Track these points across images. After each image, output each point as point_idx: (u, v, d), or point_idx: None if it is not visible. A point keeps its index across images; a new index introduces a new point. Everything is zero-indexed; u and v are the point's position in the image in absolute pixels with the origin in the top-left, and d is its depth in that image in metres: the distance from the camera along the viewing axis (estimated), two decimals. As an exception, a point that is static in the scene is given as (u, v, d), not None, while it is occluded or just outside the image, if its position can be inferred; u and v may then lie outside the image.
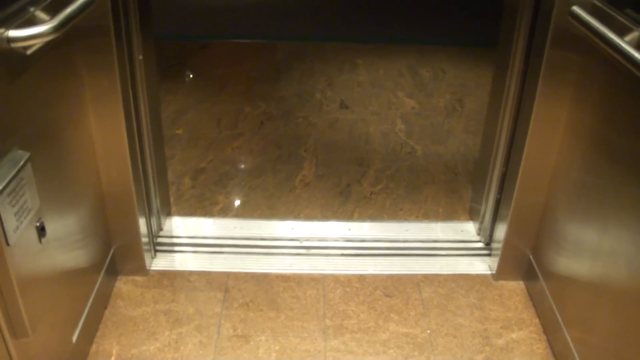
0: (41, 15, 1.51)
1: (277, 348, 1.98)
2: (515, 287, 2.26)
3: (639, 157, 1.53)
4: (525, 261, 2.25)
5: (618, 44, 1.50)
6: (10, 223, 1.29)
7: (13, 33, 1.35)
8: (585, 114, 1.84)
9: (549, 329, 2.06)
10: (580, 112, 1.87)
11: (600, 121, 1.75)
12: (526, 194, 2.10)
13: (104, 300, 2.11)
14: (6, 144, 1.34)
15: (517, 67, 2.04)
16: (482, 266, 2.35)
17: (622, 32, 1.58)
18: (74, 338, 1.81)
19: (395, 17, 5.36)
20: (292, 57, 4.39)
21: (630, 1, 1.60)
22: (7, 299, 1.34)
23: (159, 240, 2.40)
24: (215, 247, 2.40)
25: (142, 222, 2.19)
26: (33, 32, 1.38)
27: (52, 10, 1.53)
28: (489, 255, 2.38)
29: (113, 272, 2.21)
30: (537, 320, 2.12)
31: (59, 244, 1.68)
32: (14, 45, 1.36)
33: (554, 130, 1.98)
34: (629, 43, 1.49)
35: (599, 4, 1.72)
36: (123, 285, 2.21)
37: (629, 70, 1.43)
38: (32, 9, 1.47)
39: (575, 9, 1.73)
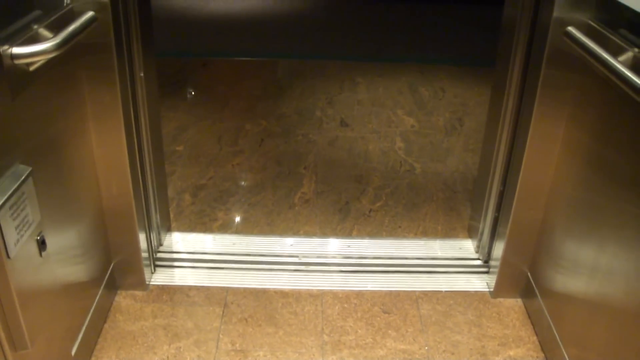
0: (44, 32, 1.53)
1: (275, 363, 2.00)
2: (514, 304, 2.27)
3: (634, 175, 1.54)
4: (523, 279, 2.26)
5: (612, 64, 1.52)
6: (11, 236, 1.30)
7: (17, 50, 1.38)
8: (581, 132, 1.86)
9: (547, 347, 2.07)
10: (576, 131, 1.89)
11: (596, 139, 1.77)
12: (523, 211, 2.12)
13: (103, 314, 2.12)
14: (8, 158, 1.36)
15: (514, 86, 2.07)
16: (480, 284, 2.36)
17: (616, 52, 1.61)
18: (73, 351, 1.82)
19: (396, 36, 5.42)
20: (293, 75, 4.42)
21: (625, 22, 1.62)
22: (7, 312, 1.35)
23: (159, 255, 2.41)
24: (214, 262, 2.41)
25: (142, 237, 2.20)
26: (36, 50, 1.41)
27: (55, 28, 1.56)
28: (487, 272, 2.39)
29: (113, 286, 2.22)
30: (534, 338, 2.13)
31: (59, 258, 1.70)
32: (17, 61, 1.39)
33: (551, 148, 2.00)
34: (623, 63, 1.51)
35: (594, 25, 1.75)
36: (122, 299, 2.22)
37: (623, 89, 1.45)
38: (35, 27, 1.50)
39: (571, 29, 1.76)
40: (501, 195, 2.24)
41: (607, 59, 1.55)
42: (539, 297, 2.13)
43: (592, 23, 1.77)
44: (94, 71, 1.85)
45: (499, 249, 2.25)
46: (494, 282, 2.28)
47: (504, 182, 2.21)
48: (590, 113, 1.81)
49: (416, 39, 5.37)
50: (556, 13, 1.80)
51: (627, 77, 1.45)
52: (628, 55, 1.59)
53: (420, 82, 4.26)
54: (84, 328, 1.91)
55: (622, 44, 1.61)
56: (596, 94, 1.78)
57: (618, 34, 1.65)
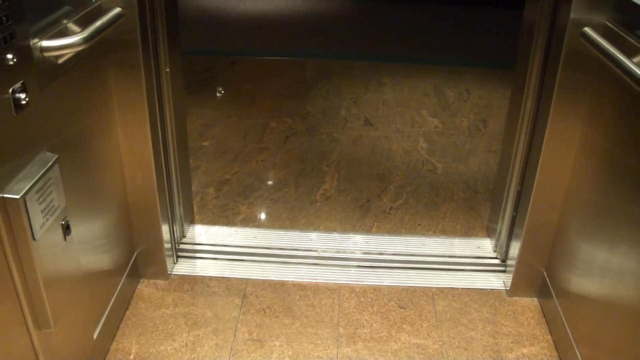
0: (73, 27, 1.60)
1: (290, 353, 2.04)
2: (529, 303, 2.29)
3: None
4: (539, 278, 2.28)
5: (625, 64, 1.54)
6: (37, 219, 1.37)
7: (46, 43, 1.45)
8: (597, 134, 1.88)
9: (560, 346, 2.08)
10: (592, 132, 1.91)
11: (612, 141, 1.79)
12: (540, 212, 2.14)
13: (125, 301, 2.19)
14: (36, 145, 1.43)
15: (533, 87, 2.09)
16: (497, 282, 2.39)
17: (632, 53, 1.63)
18: (95, 335, 1.89)
19: (424, 37, 5.44)
20: (320, 74, 4.47)
21: (641, 23, 1.64)
22: (32, 291, 1.42)
23: (182, 246, 2.48)
24: (235, 255, 2.46)
25: (165, 229, 2.27)
26: (64, 43, 1.48)
27: (84, 23, 1.63)
28: (504, 271, 2.42)
29: (135, 275, 2.29)
30: (549, 337, 2.14)
31: (83, 245, 1.77)
32: (46, 54, 1.46)
33: (567, 149, 2.02)
34: (637, 64, 1.53)
35: (611, 26, 1.77)
36: (145, 287, 2.29)
37: (637, 90, 1.47)
38: (64, 22, 1.57)
39: (587, 30, 1.78)
40: (519, 196, 2.26)
41: (621, 59, 1.57)
42: (554, 296, 2.15)
43: (609, 24, 1.79)
44: (121, 66, 1.91)
45: (515, 248, 2.28)
46: (510, 280, 2.31)
47: (522, 182, 2.23)
48: (606, 114, 1.83)
49: (444, 41, 5.39)
50: (573, 14, 1.82)
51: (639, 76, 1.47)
52: (643, 56, 1.61)
53: (446, 84, 4.28)
54: (106, 313, 1.98)
55: (639, 45, 1.62)
56: (612, 96, 1.79)
57: (635, 34, 1.67)
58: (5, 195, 1.30)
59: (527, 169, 2.19)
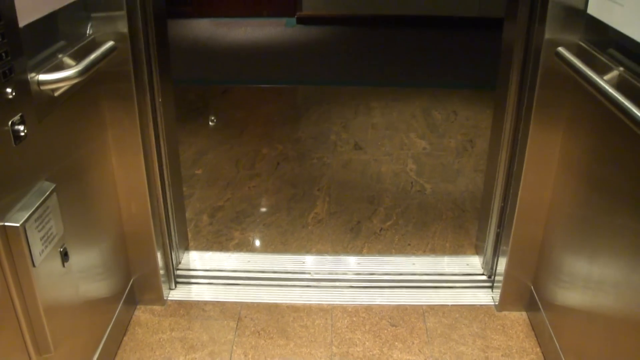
0: (68, 61, 1.67)
1: (285, 373, 2.09)
2: (518, 317, 2.34)
3: (625, 189, 1.63)
4: (527, 292, 2.33)
5: (597, 82, 1.62)
6: (36, 246, 1.42)
7: (43, 77, 1.52)
8: (576, 148, 1.95)
9: (549, 357, 2.13)
10: (571, 147, 1.98)
11: (590, 155, 1.85)
12: (524, 227, 2.20)
13: (123, 327, 2.24)
14: (35, 175, 1.49)
15: (512, 106, 2.16)
16: (485, 298, 2.44)
17: (603, 71, 1.70)
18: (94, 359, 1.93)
19: (411, 62, 5.54)
20: (310, 101, 4.55)
21: (611, 42, 1.72)
22: (32, 316, 1.46)
23: (177, 272, 2.52)
24: (230, 279, 2.51)
25: (160, 256, 2.32)
26: (60, 76, 1.55)
27: (78, 57, 1.70)
28: (491, 287, 2.47)
29: (132, 301, 2.33)
30: (538, 349, 2.19)
31: (81, 272, 1.82)
32: (43, 87, 1.52)
33: (548, 165, 2.09)
34: (608, 82, 1.61)
35: (584, 45, 1.85)
36: (141, 313, 2.34)
37: (610, 107, 1.55)
38: (60, 56, 1.64)
39: (561, 49, 1.86)
40: (503, 212, 2.32)
41: (593, 78, 1.64)
42: (541, 309, 2.20)
43: (581, 44, 1.87)
44: (114, 97, 1.98)
45: (502, 264, 2.33)
46: (499, 296, 2.36)
47: (505, 199, 2.30)
48: (584, 130, 1.90)
49: (430, 64, 5.49)
50: (548, 35, 1.90)
51: (609, 93, 1.55)
52: (614, 73, 1.68)
53: (434, 106, 4.36)
54: (104, 339, 2.02)
55: (609, 63, 1.70)
56: (588, 111, 1.87)
57: (606, 53, 1.74)
58: (5, 224, 1.35)
59: (510, 186, 2.25)
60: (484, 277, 2.52)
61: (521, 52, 2.06)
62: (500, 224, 2.35)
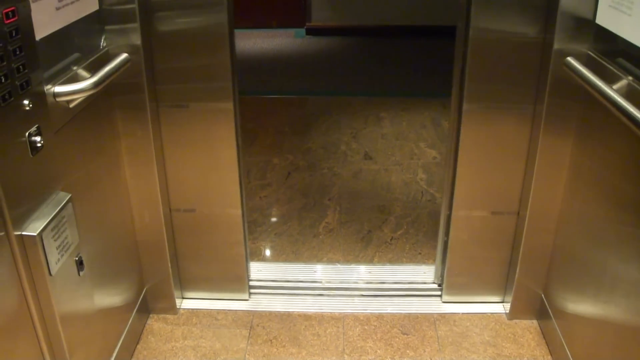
0: (83, 73, 1.70)
1: (297, 381, 2.10)
2: (529, 325, 2.35)
3: (636, 198, 1.63)
4: (537, 300, 2.34)
5: (607, 92, 1.63)
6: (53, 255, 1.45)
7: (58, 89, 1.54)
8: (585, 157, 1.96)
9: (561, 366, 2.14)
10: (581, 156, 1.99)
11: (599, 163, 1.86)
12: (535, 236, 2.21)
13: (136, 336, 2.25)
14: (51, 185, 1.51)
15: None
16: (497, 306, 2.44)
17: (612, 80, 1.71)
18: (108, 368, 1.95)
19: (419, 72, 5.55)
20: (320, 111, 4.57)
21: (620, 51, 1.73)
22: (49, 325, 1.49)
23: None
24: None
25: (172, 265, 2.34)
26: (75, 88, 1.58)
27: (92, 69, 1.73)
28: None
29: (145, 310, 2.35)
30: (549, 357, 2.20)
31: (95, 281, 1.84)
32: (58, 99, 1.55)
33: (558, 174, 2.09)
34: (617, 91, 1.62)
35: (593, 55, 1.86)
36: (154, 322, 2.35)
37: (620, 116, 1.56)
38: (74, 68, 1.67)
39: (570, 59, 1.87)
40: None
41: (602, 87, 1.65)
42: (552, 317, 2.20)
43: (590, 53, 1.88)
44: (127, 108, 2.01)
45: (514, 273, 2.34)
46: (510, 304, 2.37)
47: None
48: (594, 139, 1.91)
49: (440, 74, 5.50)
50: (557, 45, 1.91)
51: (619, 103, 1.56)
52: (623, 83, 1.69)
53: (443, 116, 4.38)
54: (118, 347, 2.04)
55: (618, 73, 1.71)
56: (597, 120, 1.88)
57: (615, 62, 1.76)
58: (23, 233, 1.38)
59: (521, 195, 2.26)
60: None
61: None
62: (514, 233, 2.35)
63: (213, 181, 2.25)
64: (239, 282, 2.46)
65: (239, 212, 2.30)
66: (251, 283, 2.53)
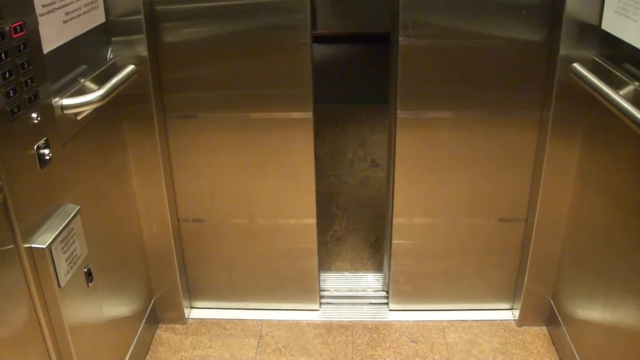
0: (90, 85, 1.71)
1: (307, 390, 2.10)
2: (538, 332, 2.34)
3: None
4: (547, 307, 2.33)
5: (613, 97, 1.63)
6: (62, 267, 1.45)
7: (66, 102, 1.55)
8: (593, 163, 1.96)
9: (571, 372, 2.13)
10: (588, 161, 1.99)
11: (608, 170, 1.86)
12: (543, 242, 2.20)
13: (145, 346, 2.26)
14: (59, 198, 1.52)
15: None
16: (505, 313, 2.44)
17: (619, 85, 1.71)
18: (118, 379, 1.95)
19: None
20: (326, 119, 4.57)
21: (626, 57, 1.73)
22: (58, 337, 1.49)
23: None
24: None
25: (181, 275, 2.34)
26: (82, 101, 1.59)
27: (100, 81, 1.74)
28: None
29: (154, 320, 2.36)
30: (559, 364, 2.19)
31: (104, 292, 1.84)
32: (66, 112, 1.56)
33: (565, 179, 2.09)
34: (624, 97, 1.62)
35: (599, 60, 1.86)
36: (163, 332, 2.36)
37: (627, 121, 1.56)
38: (82, 80, 1.68)
39: (576, 65, 1.87)
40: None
41: (608, 93, 1.65)
42: (561, 324, 2.20)
43: (596, 59, 1.88)
44: (135, 119, 2.02)
45: (522, 279, 2.33)
46: (519, 311, 2.36)
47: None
48: (601, 144, 1.91)
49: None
50: (563, 51, 1.91)
51: (625, 109, 1.56)
52: (629, 88, 1.69)
53: (449, 122, 4.37)
54: (127, 358, 2.05)
55: (625, 78, 1.71)
56: (604, 126, 1.88)
57: (621, 68, 1.76)
58: (32, 246, 1.38)
59: (529, 202, 2.25)
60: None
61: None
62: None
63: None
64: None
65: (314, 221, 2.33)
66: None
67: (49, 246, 1.40)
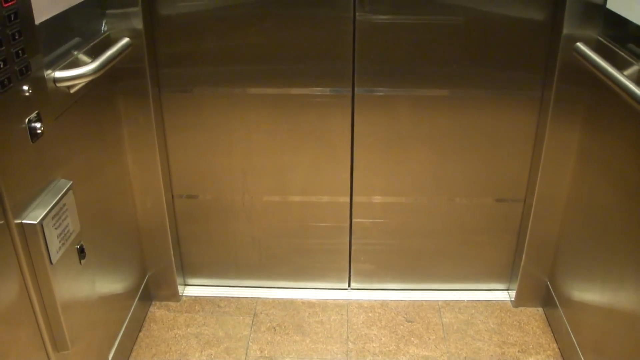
0: (83, 58, 1.67)
1: (301, 369, 2.08)
2: (534, 313, 2.33)
3: (641, 183, 1.61)
4: (543, 288, 2.32)
5: (617, 77, 1.60)
6: (53, 244, 1.42)
7: (58, 74, 1.51)
8: (594, 143, 1.93)
9: (566, 354, 2.12)
10: (589, 142, 1.96)
11: (608, 150, 1.84)
12: (541, 223, 2.19)
13: (138, 323, 2.24)
14: (51, 172, 1.49)
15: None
16: (502, 294, 2.42)
17: (623, 66, 1.68)
18: (110, 356, 1.93)
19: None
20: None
21: (631, 37, 1.70)
22: (50, 313, 1.47)
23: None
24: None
25: (175, 252, 2.32)
26: (75, 74, 1.55)
27: (93, 54, 1.70)
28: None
29: (147, 297, 2.34)
30: (554, 345, 2.18)
31: (97, 269, 1.82)
32: (59, 84, 1.52)
33: (565, 160, 2.07)
34: (628, 77, 1.59)
35: (603, 40, 1.83)
36: (157, 310, 2.34)
37: (629, 102, 1.53)
38: (75, 52, 1.64)
39: (579, 45, 1.84)
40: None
41: (612, 73, 1.62)
42: (558, 305, 2.19)
43: (600, 39, 1.85)
44: (129, 94, 1.98)
45: (519, 259, 2.32)
46: (515, 291, 2.35)
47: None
48: (602, 124, 1.88)
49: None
50: (566, 30, 1.88)
51: (630, 89, 1.53)
52: (634, 69, 1.66)
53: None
54: (120, 335, 2.03)
55: (629, 59, 1.68)
56: (607, 106, 1.85)
57: (625, 48, 1.72)
58: (23, 222, 1.35)
59: (528, 181, 2.23)
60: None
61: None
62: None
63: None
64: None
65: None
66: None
67: (40, 222, 1.37)
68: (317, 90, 2.09)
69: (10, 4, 1.27)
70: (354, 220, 2.32)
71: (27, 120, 1.36)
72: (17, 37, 1.30)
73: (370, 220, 2.32)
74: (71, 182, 1.51)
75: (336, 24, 1.98)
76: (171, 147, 2.19)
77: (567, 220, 2.14)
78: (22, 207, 1.36)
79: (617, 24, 1.77)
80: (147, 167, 2.12)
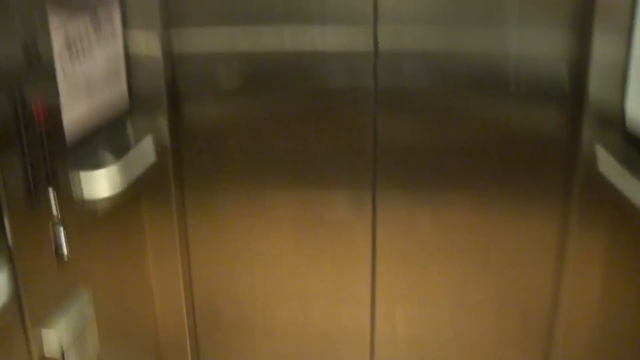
0: (111, 174, 1.70)
1: None
2: None
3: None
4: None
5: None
6: (73, 361, 1.41)
7: (86, 192, 1.55)
8: (621, 257, 1.88)
9: None
10: (616, 257, 1.91)
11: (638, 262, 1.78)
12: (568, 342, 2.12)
13: None
14: (74, 288, 1.48)
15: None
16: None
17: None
18: None
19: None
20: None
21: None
22: None
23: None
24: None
25: (194, 365, 2.28)
26: (103, 194, 1.58)
27: (120, 170, 1.72)
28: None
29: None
30: None
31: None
32: (85, 201, 1.55)
33: (592, 275, 2.01)
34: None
35: (623, 154, 1.79)
36: None
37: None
38: (102, 170, 1.66)
39: (600, 163, 1.81)
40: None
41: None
42: None
43: (620, 152, 1.81)
44: (154, 208, 2.01)
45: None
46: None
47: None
48: (627, 248, 1.84)
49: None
50: (585, 147, 1.87)
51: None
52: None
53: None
54: None
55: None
56: (630, 220, 1.80)
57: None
58: (44, 339, 1.34)
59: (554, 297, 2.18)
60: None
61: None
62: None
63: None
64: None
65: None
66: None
67: (61, 340, 1.36)
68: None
69: (43, 122, 1.31)
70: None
71: (52, 236, 1.37)
72: (49, 160, 1.33)
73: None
74: (92, 298, 1.51)
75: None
76: (194, 259, 2.19)
77: (596, 343, 2.06)
78: (43, 324, 1.35)
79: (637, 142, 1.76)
80: (170, 282, 2.11)
